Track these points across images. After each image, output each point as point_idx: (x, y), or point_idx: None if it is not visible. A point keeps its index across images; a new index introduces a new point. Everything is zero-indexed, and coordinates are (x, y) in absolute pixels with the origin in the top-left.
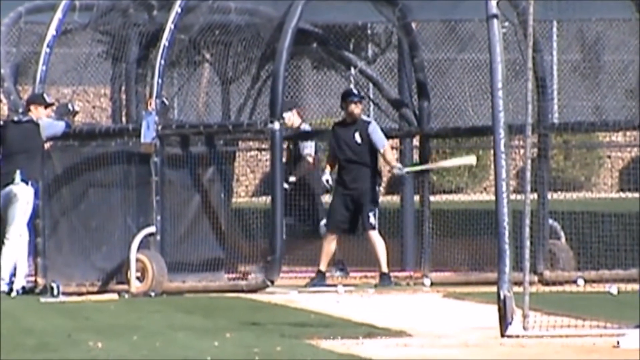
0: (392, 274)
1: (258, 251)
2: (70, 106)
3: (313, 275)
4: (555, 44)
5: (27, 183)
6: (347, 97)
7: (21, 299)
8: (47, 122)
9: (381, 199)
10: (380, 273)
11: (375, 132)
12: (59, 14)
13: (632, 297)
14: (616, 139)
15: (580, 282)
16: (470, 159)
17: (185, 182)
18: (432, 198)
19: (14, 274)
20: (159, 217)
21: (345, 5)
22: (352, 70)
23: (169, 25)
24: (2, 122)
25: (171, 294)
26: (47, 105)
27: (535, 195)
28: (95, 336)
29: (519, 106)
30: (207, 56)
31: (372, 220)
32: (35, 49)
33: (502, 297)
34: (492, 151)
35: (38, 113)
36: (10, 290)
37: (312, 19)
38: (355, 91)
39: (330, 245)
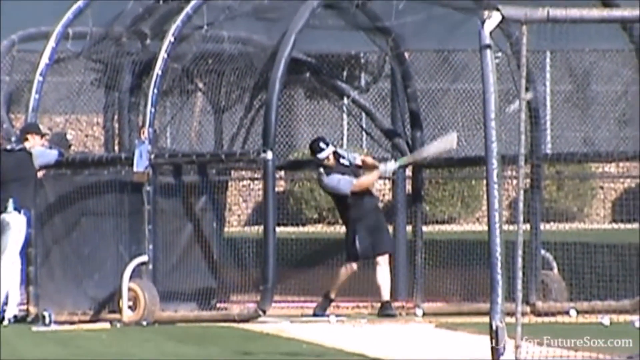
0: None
1: (250, 281)
2: (68, 138)
3: (311, 303)
4: (548, 75)
5: (19, 211)
6: (313, 154)
7: (13, 328)
8: (40, 150)
9: None
10: (382, 302)
11: (334, 185)
12: (52, 42)
13: (625, 328)
14: (609, 169)
15: (573, 312)
16: (452, 137)
17: (177, 211)
18: (424, 228)
19: (5, 303)
20: (151, 246)
21: (338, 34)
22: (345, 100)
23: (162, 54)
24: None
25: (163, 323)
26: (43, 135)
27: (527, 226)
28: None
29: (511, 136)
30: (200, 85)
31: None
32: (28, 77)
33: (494, 327)
34: (484, 181)
35: (34, 142)
36: (2, 318)
37: (306, 49)
38: (320, 143)
39: (348, 276)
